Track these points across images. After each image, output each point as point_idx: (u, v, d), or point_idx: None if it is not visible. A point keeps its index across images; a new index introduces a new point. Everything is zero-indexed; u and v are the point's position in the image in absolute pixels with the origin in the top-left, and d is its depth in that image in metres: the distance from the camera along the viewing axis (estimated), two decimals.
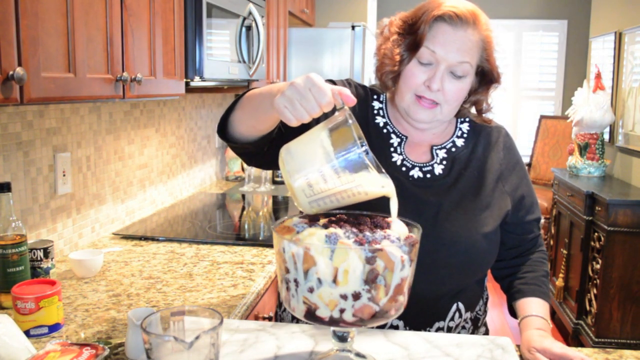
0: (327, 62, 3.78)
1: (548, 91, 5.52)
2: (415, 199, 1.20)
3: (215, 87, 2.36)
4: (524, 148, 5.52)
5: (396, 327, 1.20)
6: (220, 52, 2.09)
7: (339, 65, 3.76)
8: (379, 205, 0.97)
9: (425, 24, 1.16)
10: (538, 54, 5.49)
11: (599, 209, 3.13)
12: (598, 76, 3.79)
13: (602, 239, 3.07)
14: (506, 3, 5.44)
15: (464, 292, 1.24)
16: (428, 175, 1.24)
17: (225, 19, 2.13)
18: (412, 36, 1.19)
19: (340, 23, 4.05)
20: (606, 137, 3.96)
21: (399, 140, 1.27)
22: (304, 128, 1.01)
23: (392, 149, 1.26)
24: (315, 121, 1.01)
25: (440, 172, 1.24)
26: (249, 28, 2.37)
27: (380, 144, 1.26)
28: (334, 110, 0.94)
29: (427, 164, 1.25)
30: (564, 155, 4.78)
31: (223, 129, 1.16)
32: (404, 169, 1.24)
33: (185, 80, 1.90)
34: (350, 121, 0.89)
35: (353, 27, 3.73)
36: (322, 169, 0.91)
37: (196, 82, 1.94)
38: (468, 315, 1.26)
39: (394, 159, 1.25)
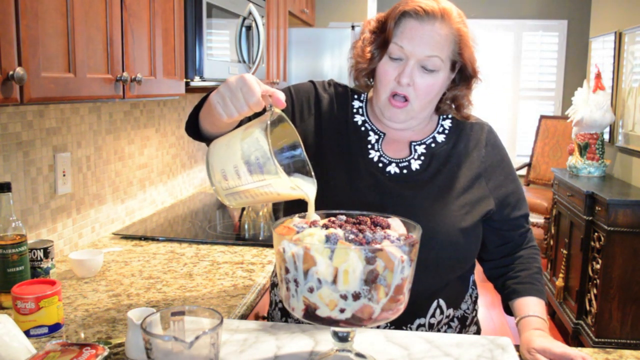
0: (327, 62, 3.78)
1: (548, 91, 5.53)
2: (391, 194, 1.21)
3: (215, 87, 2.35)
4: (524, 148, 5.52)
5: (378, 325, 1.19)
6: (220, 52, 2.09)
7: (339, 65, 3.76)
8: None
9: (392, 20, 1.19)
10: (538, 54, 5.50)
11: (599, 209, 3.13)
12: (598, 76, 3.79)
13: (602, 239, 3.07)
14: (506, 3, 5.44)
15: (445, 288, 1.23)
16: (405, 171, 1.25)
17: (225, 19, 2.13)
18: (382, 34, 1.21)
19: (340, 23, 4.05)
20: (606, 137, 3.96)
21: (376, 137, 1.28)
22: None
23: (369, 146, 1.27)
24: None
25: (417, 167, 1.25)
26: (249, 28, 2.37)
27: (357, 142, 1.27)
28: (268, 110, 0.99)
29: (404, 160, 1.26)
30: (564, 155, 4.78)
31: (195, 127, 1.19)
32: (380, 165, 1.25)
33: (185, 80, 1.90)
34: (268, 123, 0.94)
35: (353, 27, 3.74)
36: (237, 165, 0.96)
37: (196, 82, 1.94)
38: (451, 312, 1.25)
39: (370, 156, 1.26)
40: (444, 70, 1.20)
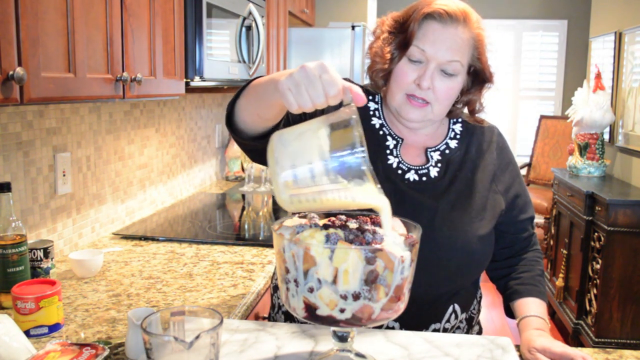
0: (327, 62, 3.77)
1: (548, 91, 5.52)
2: (411, 202, 1.20)
3: (215, 87, 2.36)
4: (524, 148, 5.52)
5: (392, 329, 1.19)
6: (220, 52, 2.09)
7: (339, 65, 3.76)
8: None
9: (415, 22, 1.16)
10: (538, 54, 5.49)
11: (599, 209, 3.13)
12: (598, 76, 3.79)
13: (602, 239, 3.07)
14: (506, 3, 5.44)
15: (460, 293, 1.23)
16: (424, 178, 1.23)
17: (225, 19, 2.13)
18: (402, 35, 1.19)
19: (340, 23, 4.05)
20: (606, 137, 3.96)
21: (394, 142, 1.26)
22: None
23: (387, 152, 1.25)
24: (320, 113, 0.98)
25: (436, 174, 1.24)
26: (249, 28, 2.37)
27: (376, 146, 1.25)
28: (339, 106, 0.89)
29: (423, 167, 1.24)
30: (564, 155, 4.78)
31: (230, 119, 1.11)
32: (399, 171, 1.23)
33: (185, 80, 1.90)
34: (355, 121, 0.83)
35: (353, 27, 3.73)
36: (313, 164, 0.84)
37: (196, 82, 1.94)
38: (464, 316, 1.26)
39: (389, 162, 1.24)
40: (462, 74, 1.19)
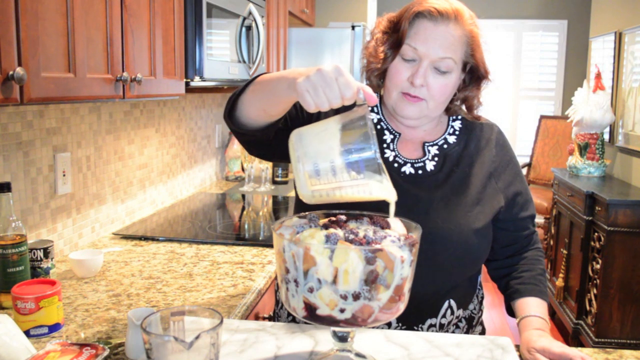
0: (327, 62, 3.77)
1: (548, 91, 5.52)
2: (406, 194, 1.21)
3: (215, 87, 2.36)
4: (524, 148, 5.52)
5: (388, 324, 1.20)
6: (220, 52, 2.09)
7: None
8: (373, 206, 0.97)
9: (406, 20, 1.18)
10: (538, 54, 5.49)
11: (599, 209, 3.13)
12: (598, 76, 3.79)
13: (602, 239, 3.07)
14: (506, 3, 5.44)
15: (456, 289, 1.24)
16: (420, 172, 1.25)
17: (225, 19, 2.13)
18: (395, 34, 1.21)
19: (340, 23, 4.05)
20: (606, 137, 3.96)
21: (392, 137, 1.28)
22: (314, 120, 1.00)
23: (384, 145, 1.27)
24: (333, 112, 1.01)
25: (432, 168, 1.25)
26: (249, 28, 2.37)
27: None
28: (352, 105, 0.94)
29: (419, 160, 1.26)
30: (564, 155, 4.78)
31: (231, 113, 1.14)
32: (395, 165, 1.25)
33: (185, 80, 1.90)
34: (368, 119, 0.89)
35: (353, 27, 3.73)
36: (334, 161, 0.90)
37: (196, 82, 1.94)
38: (461, 312, 1.26)
39: (386, 155, 1.26)
40: (456, 71, 1.20)
